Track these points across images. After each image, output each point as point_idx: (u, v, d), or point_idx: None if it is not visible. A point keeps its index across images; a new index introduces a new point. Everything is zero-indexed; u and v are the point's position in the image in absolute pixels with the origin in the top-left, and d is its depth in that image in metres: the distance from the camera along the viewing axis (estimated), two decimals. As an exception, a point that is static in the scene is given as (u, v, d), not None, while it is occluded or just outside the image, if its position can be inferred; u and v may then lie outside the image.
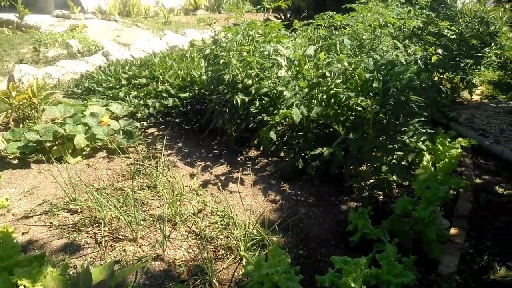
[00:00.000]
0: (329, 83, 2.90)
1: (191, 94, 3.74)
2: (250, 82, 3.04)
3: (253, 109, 3.07)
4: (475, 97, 5.04)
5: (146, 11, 9.73)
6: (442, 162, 2.96)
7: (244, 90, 3.07)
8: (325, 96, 2.93)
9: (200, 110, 3.63)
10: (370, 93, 2.87)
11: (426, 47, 4.58)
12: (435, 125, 4.04)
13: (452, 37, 4.65)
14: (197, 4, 10.89)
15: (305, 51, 3.07)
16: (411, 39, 4.61)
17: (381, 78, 2.70)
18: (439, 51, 4.41)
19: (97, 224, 2.43)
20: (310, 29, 3.92)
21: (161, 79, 4.17)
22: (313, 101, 2.96)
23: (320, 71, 2.95)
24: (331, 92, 2.91)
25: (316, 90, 2.90)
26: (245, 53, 3.19)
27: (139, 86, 4.16)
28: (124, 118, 3.53)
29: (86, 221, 2.46)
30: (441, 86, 2.76)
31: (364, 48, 3.50)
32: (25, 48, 6.56)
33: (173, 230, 2.45)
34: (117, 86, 4.23)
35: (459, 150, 2.98)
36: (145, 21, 9.29)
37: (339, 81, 2.94)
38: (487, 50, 5.28)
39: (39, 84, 3.74)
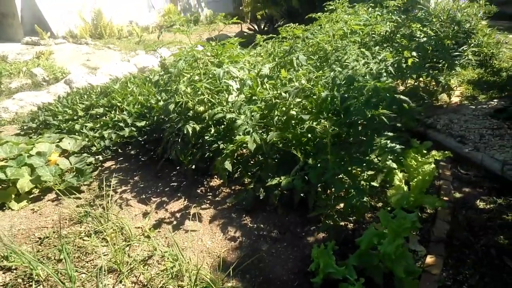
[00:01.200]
0: (286, 103, 2.68)
1: (148, 122, 3.49)
2: (202, 108, 2.81)
3: (208, 137, 2.83)
4: (455, 99, 4.85)
5: (119, 32, 9.52)
6: (415, 180, 2.73)
7: (196, 117, 2.83)
8: (283, 118, 2.71)
9: (158, 138, 3.38)
10: (330, 113, 2.66)
11: (399, 49, 4.38)
12: (412, 134, 3.82)
13: (423, 39, 4.46)
14: (172, 21, 10.73)
15: (259, 71, 2.85)
16: (382, 44, 4.42)
17: (338, 95, 2.48)
18: (414, 53, 4.24)
19: (29, 284, 2.16)
20: (270, 43, 3.71)
21: (120, 107, 3.93)
22: (272, 122, 2.73)
23: (276, 92, 2.72)
24: (290, 113, 2.69)
25: (273, 113, 2.67)
26: (196, 77, 2.97)
27: (97, 116, 3.91)
28: (76, 155, 3.27)
29: (19, 280, 2.19)
30: (406, 97, 2.52)
31: (330, 60, 3.29)
32: (-12, 80, 6.30)
33: (117, 282, 2.18)
34: (74, 118, 3.98)
35: (433, 166, 2.75)
36: (117, 42, 9.07)
37: (298, 100, 2.73)
38: (464, 48, 5.11)
39: (-16, 123, 3.49)
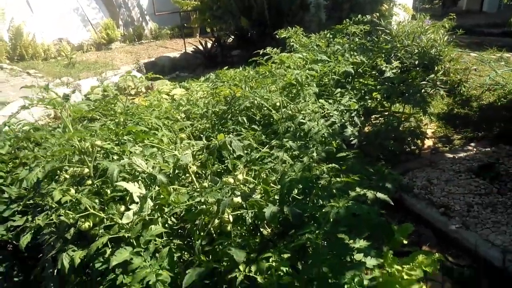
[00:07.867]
0: (213, 215, 1.80)
1: (26, 218, 2.46)
2: (87, 224, 1.86)
3: (99, 264, 1.88)
4: (427, 142, 4.22)
5: (46, 52, 8.21)
6: (402, 310, 1.94)
7: (81, 236, 1.88)
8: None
9: (43, 243, 2.37)
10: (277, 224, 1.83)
11: (364, 90, 3.76)
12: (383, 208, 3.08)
13: (389, 73, 3.83)
14: (111, 37, 9.50)
15: (177, 161, 1.94)
16: (343, 85, 3.68)
17: (289, 212, 1.63)
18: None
19: None
20: (203, 102, 2.80)
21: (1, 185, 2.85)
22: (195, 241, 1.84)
23: (200, 198, 1.82)
24: (221, 237, 1.81)
25: (195, 235, 1.78)
26: (86, 170, 2.02)
27: (-35, 201, 2.81)
28: None
29: None
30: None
31: (279, 130, 2.46)
32: None
33: None
34: None
35: (425, 289, 1.98)
36: (42, 64, 7.76)
37: (237, 200, 1.86)
38: (431, 77, 4.52)
39: None
